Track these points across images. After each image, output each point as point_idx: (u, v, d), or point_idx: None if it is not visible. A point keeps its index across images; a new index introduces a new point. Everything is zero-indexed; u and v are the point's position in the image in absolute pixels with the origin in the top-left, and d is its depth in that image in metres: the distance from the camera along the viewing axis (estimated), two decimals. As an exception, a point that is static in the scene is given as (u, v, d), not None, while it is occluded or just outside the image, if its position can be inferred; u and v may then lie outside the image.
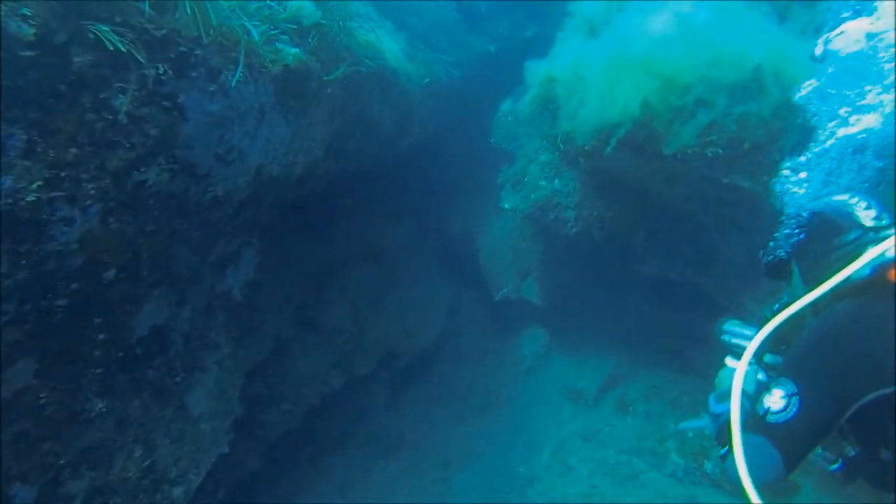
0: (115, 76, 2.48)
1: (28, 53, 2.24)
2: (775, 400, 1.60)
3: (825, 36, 3.38)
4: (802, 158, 2.95)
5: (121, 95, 2.50)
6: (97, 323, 2.97)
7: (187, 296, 3.79)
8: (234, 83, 2.96)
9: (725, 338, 2.08)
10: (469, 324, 8.12)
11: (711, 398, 2.00)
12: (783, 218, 2.12)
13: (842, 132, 3.05)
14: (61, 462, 2.84)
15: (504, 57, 8.81)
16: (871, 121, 3.04)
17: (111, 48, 2.34)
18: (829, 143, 2.99)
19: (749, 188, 4.18)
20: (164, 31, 2.57)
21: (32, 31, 2.21)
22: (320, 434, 6.21)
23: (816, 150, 2.94)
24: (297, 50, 3.73)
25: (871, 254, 1.67)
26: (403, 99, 6.33)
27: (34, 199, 2.36)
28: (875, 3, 3.22)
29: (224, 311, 4.40)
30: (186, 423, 3.67)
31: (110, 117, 2.49)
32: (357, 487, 5.93)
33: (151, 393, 3.44)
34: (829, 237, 1.90)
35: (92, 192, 2.54)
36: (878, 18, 3.15)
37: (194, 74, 2.77)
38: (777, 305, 1.73)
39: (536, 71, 5.50)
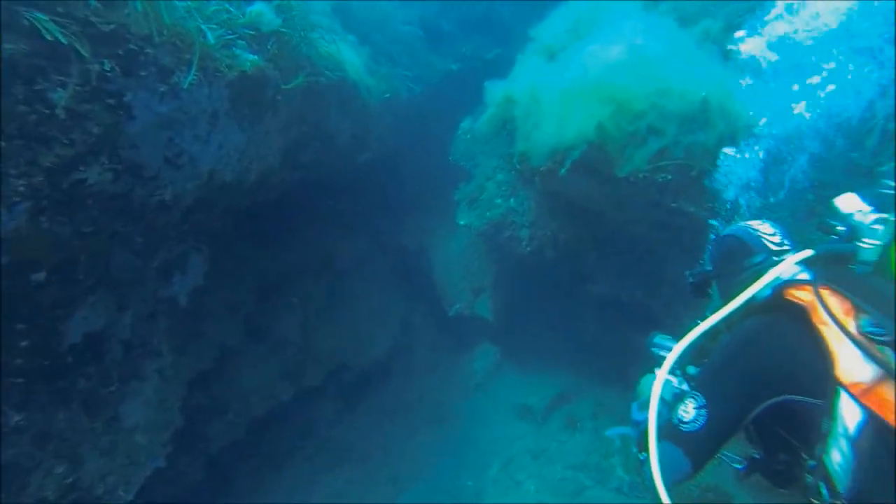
0: (54, 68, 2.36)
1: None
2: (688, 410, 1.73)
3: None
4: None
5: (60, 89, 2.38)
6: (20, 329, 2.80)
7: (128, 301, 3.63)
8: (186, 85, 2.88)
9: (655, 350, 2.21)
10: (421, 338, 8.09)
11: (634, 406, 2.10)
12: (708, 243, 2.29)
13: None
14: (-29, 479, 2.65)
15: (466, 76, 8.94)
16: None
17: (50, 38, 2.23)
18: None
19: (695, 213, 4.35)
20: (112, 27, 2.47)
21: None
22: (266, 447, 6.02)
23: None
24: (256, 56, 3.67)
25: (769, 275, 1.79)
26: (363, 112, 6.31)
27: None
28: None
29: (168, 318, 4.24)
30: (119, 436, 3.49)
31: (46, 111, 2.37)
32: (301, 501, 5.75)
33: (81, 404, 3.26)
34: (740, 259, 2.06)
35: (21, 188, 2.41)
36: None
37: (143, 73, 2.68)
38: (698, 321, 1.84)
39: (496, 91, 5.62)
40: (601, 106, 4.22)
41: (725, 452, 1.93)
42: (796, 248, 1.97)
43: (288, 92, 4.22)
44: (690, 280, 2.28)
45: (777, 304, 1.76)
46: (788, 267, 1.80)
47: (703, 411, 1.70)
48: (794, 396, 1.60)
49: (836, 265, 1.78)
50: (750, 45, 3.99)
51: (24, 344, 2.84)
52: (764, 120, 3.84)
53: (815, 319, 1.60)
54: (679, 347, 1.79)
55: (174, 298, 4.49)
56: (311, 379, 6.29)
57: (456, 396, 7.10)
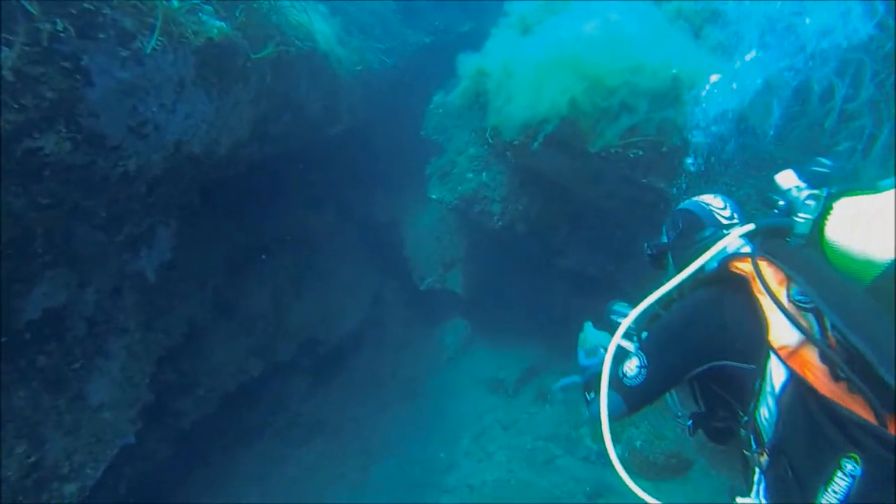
0: (-1, 27, 2.22)
1: None
2: (631, 367, 1.93)
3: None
4: None
5: (5, 49, 2.24)
6: (-24, 304, 2.69)
7: (91, 276, 3.52)
8: (148, 50, 2.75)
9: (613, 317, 2.38)
10: (393, 312, 8.11)
11: (581, 353, 2.32)
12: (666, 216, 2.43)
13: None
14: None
15: (439, 50, 8.80)
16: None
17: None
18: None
19: (664, 189, 4.42)
20: (64, -16, 2.33)
21: None
22: (237, 423, 5.99)
23: None
24: (223, 23, 3.52)
25: (716, 248, 1.93)
26: (333, 84, 6.16)
27: None
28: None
29: (135, 293, 4.13)
30: (83, 414, 3.41)
31: (-7, 72, 2.23)
32: (274, 478, 5.77)
33: (42, 382, 3.17)
34: (693, 232, 2.19)
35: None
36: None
37: (102, 36, 2.54)
38: (653, 291, 1.99)
39: (469, 64, 5.54)
40: (575, 81, 4.21)
41: (678, 412, 2.15)
42: (744, 221, 2.09)
43: (258, 61, 4.08)
44: (648, 252, 2.41)
45: (723, 276, 1.89)
46: (733, 240, 1.94)
47: (643, 370, 1.90)
48: (730, 362, 1.77)
49: (775, 238, 1.90)
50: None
51: (-21, 320, 2.74)
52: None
53: (754, 289, 1.74)
54: (632, 315, 1.94)
55: (141, 273, 4.36)
56: (281, 353, 6.25)
57: (427, 370, 7.17)
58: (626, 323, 1.93)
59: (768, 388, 1.63)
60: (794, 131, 4.18)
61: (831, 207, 1.74)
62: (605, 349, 2.03)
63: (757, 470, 1.75)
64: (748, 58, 4.25)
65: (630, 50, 4.26)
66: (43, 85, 2.46)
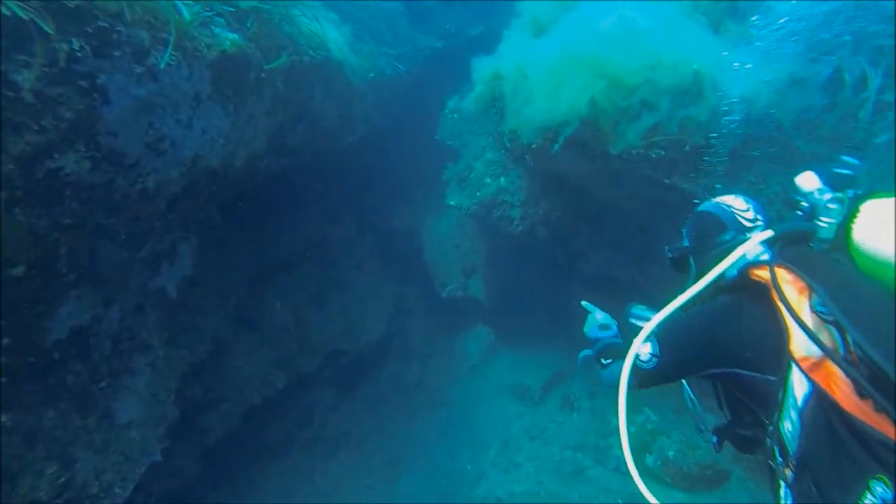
0: (16, 48, 2.21)
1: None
2: (645, 353, 1.92)
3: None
4: None
5: (24, 70, 2.24)
6: (1, 325, 2.69)
7: (115, 295, 3.52)
8: (162, 65, 2.74)
9: (632, 320, 2.31)
10: (415, 321, 8.05)
11: (595, 327, 2.37)
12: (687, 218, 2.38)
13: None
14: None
15: (450, 54, 8.78)
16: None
17: (7, 13, 2.08)
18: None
19: (688, 189, 4.30)
20: (77, 2, 2.32)
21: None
22: (262, 437, 5.97)
23: None
24: (235, 35, 3.52)
25: (735, 255, 1.88)
26: (347, 92, 6.16)
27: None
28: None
29: (157, 310, 4.13)
30: (111, 432, 3.40)
31: (12, 94, 2.23)
32: (302, 491, 5.73)
33: (71, 401, 3.17)
34: (713, 235, 2.13)
35: (-6, 177, 2.28)
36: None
37: (117, 54, 2.54)
38: (676, 295, 1.99)
39: (483, 68, 5.49)
40: (593, 80, 4.13)
41: (701, 426, 2.16)
42: (768, 222, 2.04)
43: (271, 72, 4.07)
44: (669, 256, 2.35)
45: (743, 284, 1.87)
46: (752, 246, 1.88)
47: (654, 359, 1.91)
48: (743, 371, 1.77)
49: (797, 244, 1.85)
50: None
51: (5, 342, 2.73)
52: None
53: (774, 298, 1.69)
54: (653, 322, 1.92)
55: (163, 290, 4.38)
56: (305, 366, 6.22)
57: (452, 379, 7.09)
58: (646, 329, 1.92)
59: (791, 401, 1.58)
60: (825, 124, 4.02)
61: (858, 210, 1.67)
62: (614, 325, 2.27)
63: (783, 483, 1.71)
64: (770, 47, 4.13)
65: (648, 46, 4.17)
66: (62, 105, 2.46)
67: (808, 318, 1.58)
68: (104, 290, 3.37)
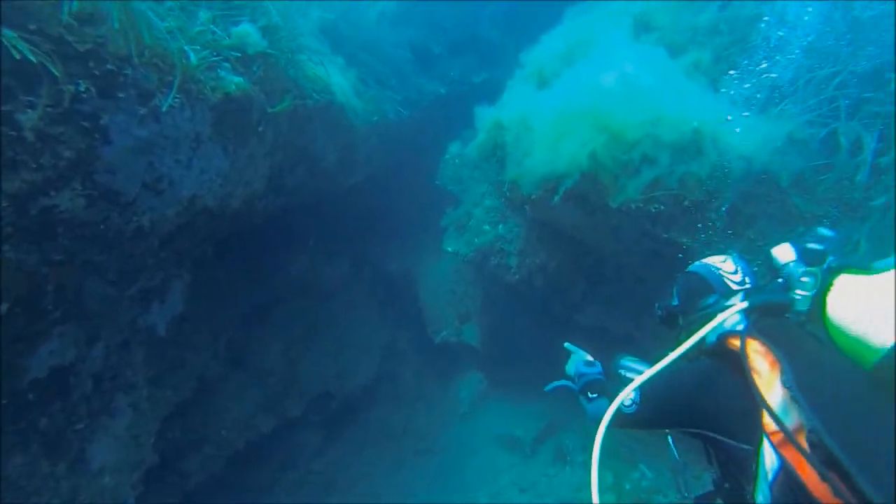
0: (23, 89, 2.22)
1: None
2: (629, 396, 1.95)
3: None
4: None
5: (29, 110, 2.23)
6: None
7: (100, 332, 3.43)
8: (165, 108, 2.74)
9: (621, 371, 2.33)
10: (406, 365, 7.91)
11: (581, 363, 2.42)
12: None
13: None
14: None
15: (454, 100, 8.91)
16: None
17: (18, 57, 2.09)
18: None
19: (687, 244, 4.29)
20: (88, 46, 2.34)
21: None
22: (244, 480, 5.74)
23: None
24: (241, 79, 3.55)
25: (711, 324, 1.92)
26: (350, 135, 6.21)
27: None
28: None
29: (144, 348, 4.03)
30: (83, 478, 3.25)
31: (13, 133, 2.22)
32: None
33: (42, 446, 3.03)
34: (699, 297, 2.15)
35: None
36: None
37: (122, 95, 2.55)
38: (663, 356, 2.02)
39: (486, 117, 5.56)
40: (594, 134, 4.17)
41: (685, 495, 2.12)
42: (755, 286, 2.08)
43: (274, 115, 4.11)
44: (658, 314, 2.39)
45: (721, 351, 1.90)
46: (730, 315, 1.92)
47: (634, 406, 1.96)
48: (721, 437, 1.78)
49: (774, 314, 1.88)
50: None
51: (-20, 382, 2.64)
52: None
53: (748, 368, 1.71)
54: (637, 381, 1.93)
55: (152, 328, 4.28)
56: (292, 409, 6.06)
57: (442, 426, 6.91)
58: (632, 386, 1.94)
59: (762, 473, 1.58)
60: (821, 184, 4.05)
61: (832, 283, 1.70)
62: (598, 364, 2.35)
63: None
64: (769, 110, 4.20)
65: (649, 102, 4.23)
66: (62, 144, 2.45)
67: (778, 394, 1.59)
68: (89, 327, 3.28)
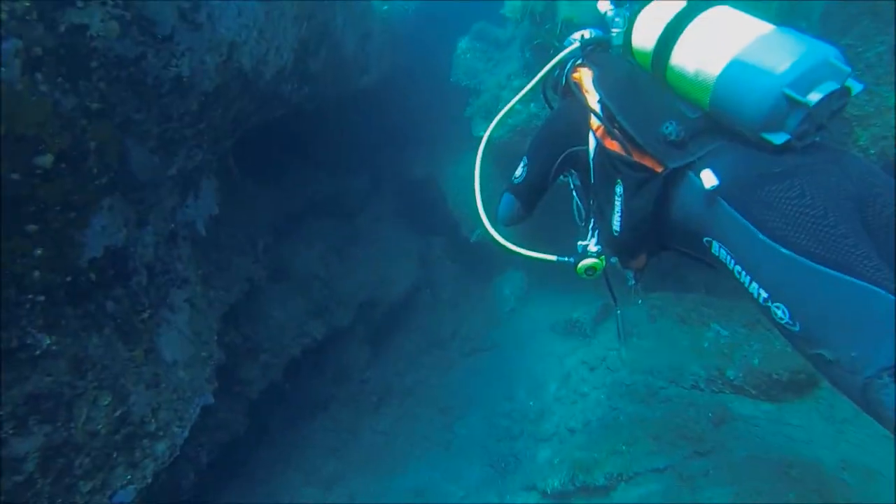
0: None
1: None
2: (518, 169, 2.56)
3: None
4: None
5: None
6: (31, 231, 2.25)
7: (148, 216, 3.08)
8: None
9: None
10: (443, 271, 7.66)
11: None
12: None
13: None
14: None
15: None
16: None
17: None
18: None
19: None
20: None
21: None
22: (301, 394, 5.58)
23: None
24: None
25: (555, 59, 2.58)
26: (366, 17, 5.68)
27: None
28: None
29: (189, 244, 3.70)
30: (160, 368, 2.99)
31: None
32: (350, 447, 5.37)
33: (114, 329, 2.74)
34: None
35: (3, 15, 1.82)
36: None
37: None
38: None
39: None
40: None
41: (629, 276, 2.48)
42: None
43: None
44: None
45: (568, 88, 2.43)
46: (568, 54, 2.53)
47: (524, 168, 2.53)
48: (576, 147, 2.32)
49: (600, 49, 2.49)
50: None
51: (38, 252, 2.30)
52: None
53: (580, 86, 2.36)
54: (500, 113, 2.91)
55: (192, 224, 3.95)
56: (340, 317, 5.81)
57: (492, 324, 6.71)
58: (495, 121, 2.90)
59: (591, 155, 2.24)
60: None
61: (635, 20, 2.17)
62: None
63: (592, 220, 2.40)
64: None
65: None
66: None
67: (593, 97, 2.27)
68: (137, 205, 2.92)
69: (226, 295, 4.10)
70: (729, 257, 1.76)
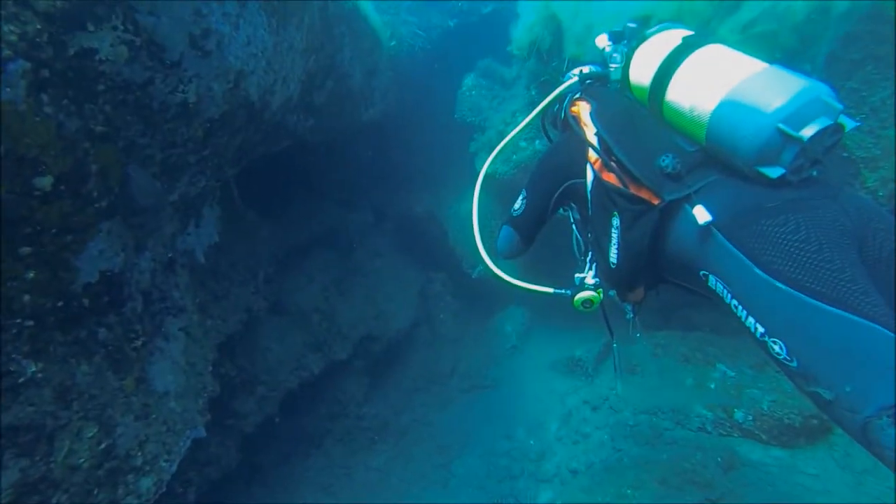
0: None
1: None
2: (518, 203, 2.56)
3: None
4: None
5: None
6: (24, 254, 2.19)
7: (147, 241, 3.03)
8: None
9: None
10: (442, 306, 7.56)
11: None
12: None
13: None
14: (-20, 445, 2.04)
15: (462, 33, 8.50)
16: None
17: None
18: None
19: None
20: None
21: None
22: (296, 429, 5.42)
23: None
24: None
25: (554, 93, 2.60)
26: (374, 52, 5.77)
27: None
28: None
29: (187, 272, 3.64)
30: (150, 398, 2.88)
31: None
32: (341, 485, 5.18)
33: (104, 357, 2.66)
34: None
35: (13, 37, 1.81)
36: None
37: None
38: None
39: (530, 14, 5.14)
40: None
41: (627, 309, 2.48)
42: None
43: (309, 3, 3.67)
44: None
45: (567, 122, 2.41)
46: (566, 87, 2.55)
47: (524, 201, 2.54)
48: (575, 180, 2.33)
49: (599, 84, 2.47)
50: None
51: (30, 275, 2.24)
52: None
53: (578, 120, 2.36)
54: (502, 144, 2.81)
55: (191, 252, 3.90)
56: (338, 351, 5.70)
57: (492, 361, 6.58)
58: (494, 153, 2.79)
59: (589, 188, 2.23)
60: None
61: (633, 55, 2.20)
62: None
63: (590, 252, 2.39)
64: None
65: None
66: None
67: (591, 130, 2.26)
68: (136, 229, 2.88)
69: (223, 325, 4.02)
70: (725, 291, 1.74)
